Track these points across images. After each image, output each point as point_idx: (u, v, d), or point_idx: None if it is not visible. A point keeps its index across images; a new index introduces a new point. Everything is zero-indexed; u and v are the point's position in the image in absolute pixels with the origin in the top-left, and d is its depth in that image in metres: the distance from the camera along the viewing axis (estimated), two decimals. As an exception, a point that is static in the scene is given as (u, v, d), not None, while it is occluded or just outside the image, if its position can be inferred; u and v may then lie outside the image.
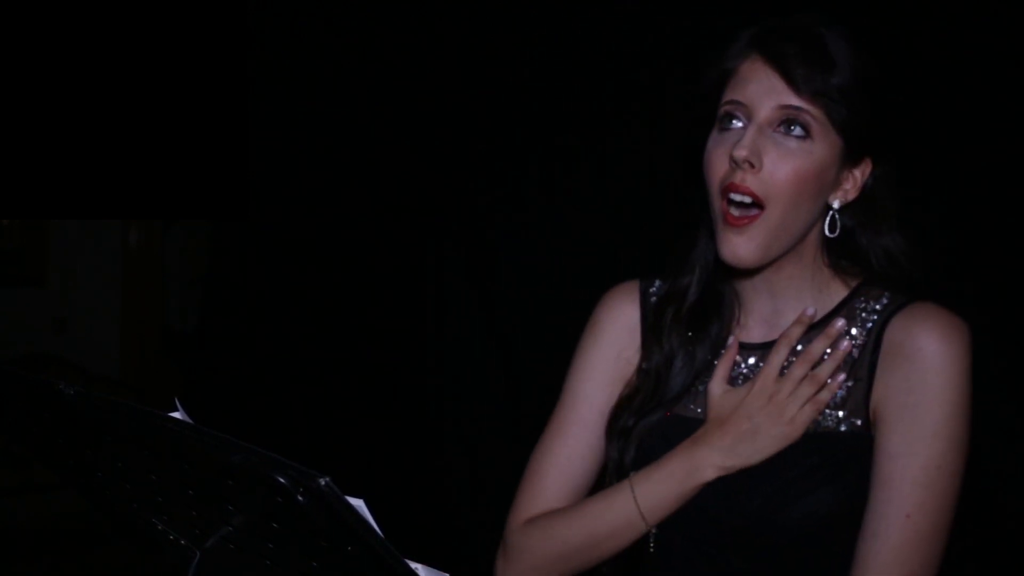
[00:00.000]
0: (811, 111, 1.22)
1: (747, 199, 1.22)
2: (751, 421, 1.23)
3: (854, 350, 1.25)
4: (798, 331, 1.25)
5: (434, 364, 2.56)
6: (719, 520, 1.24)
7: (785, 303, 1.30)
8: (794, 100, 1.22)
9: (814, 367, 1.24)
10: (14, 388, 0.97)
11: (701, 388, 1.31)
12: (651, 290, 1.41)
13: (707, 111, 1.30)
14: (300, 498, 0.69)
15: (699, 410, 1.31)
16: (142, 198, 3.22)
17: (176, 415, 1.19)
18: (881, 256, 1.28)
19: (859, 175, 1.28)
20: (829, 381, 1.23)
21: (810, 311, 1.25)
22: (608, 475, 1.34)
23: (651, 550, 1.29)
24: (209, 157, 3.06)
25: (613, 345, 1.41)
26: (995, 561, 1.72)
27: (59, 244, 5.05)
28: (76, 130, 3.12)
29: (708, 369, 1.32)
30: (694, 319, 1.34)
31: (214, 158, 3.04)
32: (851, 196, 1.28)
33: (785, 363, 1.26)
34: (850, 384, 1.24)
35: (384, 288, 2.66)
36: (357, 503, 0.77)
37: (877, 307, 1.26)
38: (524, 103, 2.42)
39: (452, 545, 2.45)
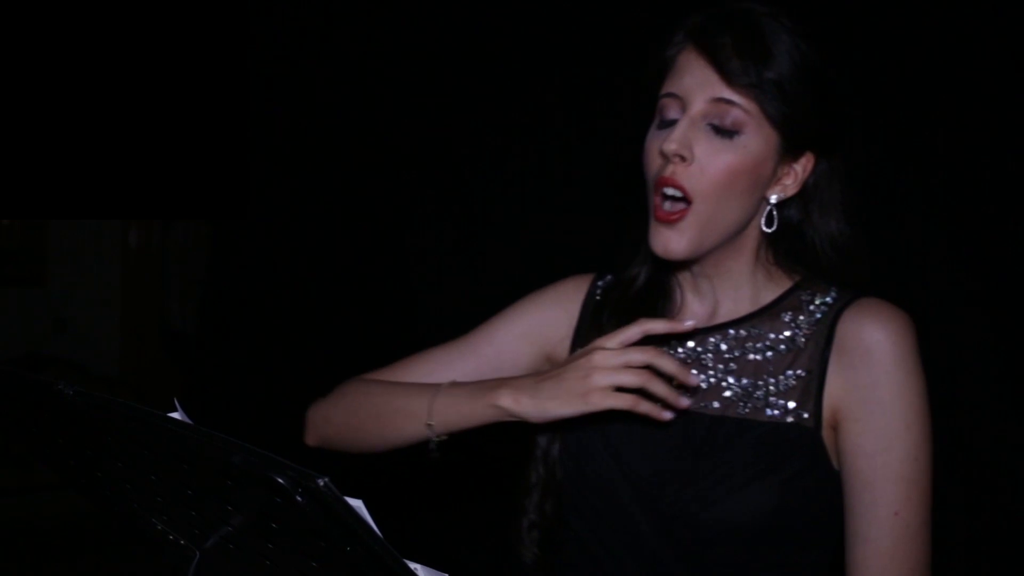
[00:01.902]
0: (744, 104, 1.20)
1: (678, 193, 1.21)
2: (563, 373, 1.18)
3: (800, 340, 1.23)
4: (662, 326, 1.19)
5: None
6: (652, 508, 1.21)
7: (724, 294, 1.29)
8: (726, 93, 1.20)
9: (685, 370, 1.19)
10: (14, 388, 0.97)
11: None
12: (599, 284, 1.40)
13: (649, 103, 1.28)
14: (299, 498, 0.69)
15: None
16: (142, 198, 3.22)
17: (176, 415, 1.19)
18: (828, 248, 1.26)
19: (800, 170, 1.25)
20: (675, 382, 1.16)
21: (688, 323, 1.20)
22: (535, 460, 1.32)
23: (433, 455, 1.26)
24: (209, 157, 3.06)
25: (546, 311, 1.41)
26: (995, 560, 1.72)
27: (59, 244, 5.06)
28: (76, 130, 3.13)
29: None
30: (637, 305, 1.33)
31: (214, 158, 3.04)
32: (791, 191, 1.26)
33: (729, 355, 1.25)
34: (801, 374, 1.21)
35: (384, 288, 2.66)
36: (356, 503, 0.77)
37: (827, 300, 1.24)
38: (525, 103, 2.42)
39: (452, 545, 2.45)
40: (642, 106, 1.30)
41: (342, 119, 2.70)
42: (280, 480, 0.69)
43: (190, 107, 3.05)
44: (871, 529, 1.17)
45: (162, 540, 1.00)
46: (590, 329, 1.36)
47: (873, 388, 1.18)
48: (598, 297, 1.39)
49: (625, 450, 1.24)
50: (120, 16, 3.03)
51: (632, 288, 1.35)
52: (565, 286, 1.43)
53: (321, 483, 0.70)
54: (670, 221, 1.22)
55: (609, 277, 1.41)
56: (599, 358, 1.16)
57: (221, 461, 0.75)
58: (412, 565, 0.81)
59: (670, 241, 1.22)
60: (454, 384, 1.28)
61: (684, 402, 1.16)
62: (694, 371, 1.25)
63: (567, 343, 1.39)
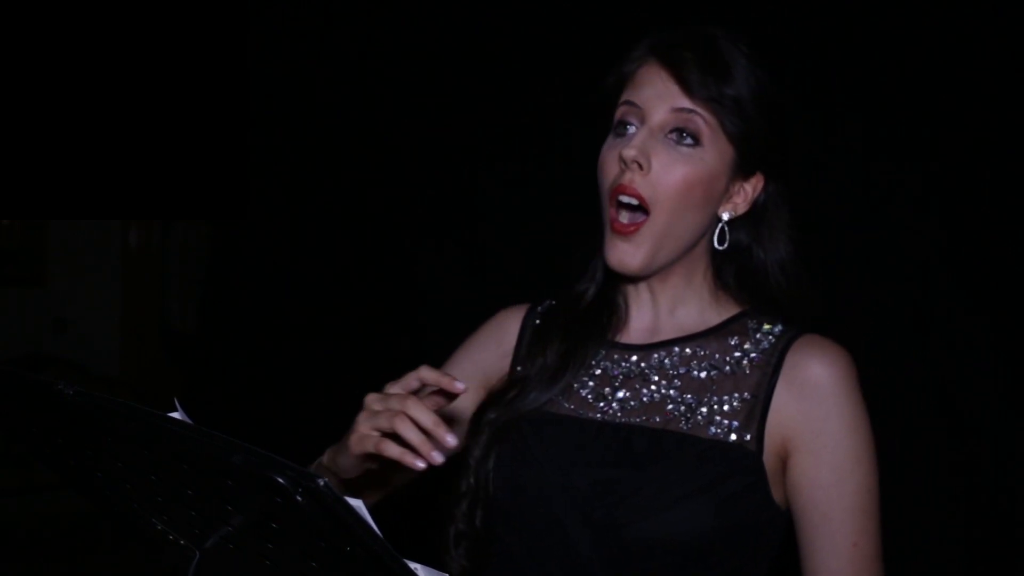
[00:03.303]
0: (704, 115, 1.22)
1: (634, 201, 1.22)
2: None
3: (745, 365, 1.23)
4: (434, 377, 1.14)
5: (434, 365, 2.55)
6: (586, 519, 1.19)
7: (668, 313, 1.30)
8: (687, 103, 1.22)
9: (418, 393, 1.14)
10: (14, 388, 0.97)
11: (576, 386, 1.29)
12: (539, 309, 1.41)
13: (605, 117, 1.30)
14: (299, 498, 0.69)
15: (571, 407, 1.28)
16: (142, 198, 3.22)
17: (176, 415, 1.19)
18: (777, 272, 1.28)
19: (750, 189, 1.27)
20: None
21: (459, 385, 1.11)
22: (469, 469, 1.30)
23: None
24: (209, 157, 3.06)
25: (479, 353, 1.40)
26: (996, 564, 1.72)
27: (59, 244, 5.06)
28: (76, 130, 3.12)
29: (581, 369, 1.30)
30: (584, 321, 1.33)
31: (214, 158, 3.04)
32: (741, 210, 1.27)
33: (673, 371, 1.24)
34: (746, 397, 1.21)
35: (384, 288, 2.66)
36: (356, 503, 0.77)
37: (775, 330, 1.25)
38: (525, 103, 2.42)
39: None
40: (597, 122, 1.31)
41: (342, 119, 2.70)
42: (280, 480, 0.69)
43: (190, 107, 3.05)
44: (832, 561, 1.18)
45: (162, 540, 1.00)
46: (528, 354, 1.35)
47: (825, 421, 1.19)
48: (537, 322, 1.39)
49: (563, 460, 1.23)
50: (120, 16, 3.03)
51: (580, 304, 1.35)
52: (497, 321, 1.43)
53: (321, 483, 0.70)
54: (627, 233, 1.22)
55: (549, 302, 1.40)
56: (367, 402, 1.13)
57: (221, 461, 0.75)
58: (412, 565, 0.81)
59: (625, 254, 1.23)
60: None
61: (437, 458, 1.08)
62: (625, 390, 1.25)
63: (502, 367, 1.37)
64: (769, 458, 1.20)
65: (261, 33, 2.86)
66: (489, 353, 1.40)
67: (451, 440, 1.08)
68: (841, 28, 1.83)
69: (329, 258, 2.75)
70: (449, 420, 1.25)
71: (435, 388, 1.15)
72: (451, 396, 1.16)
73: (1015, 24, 1.68)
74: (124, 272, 5.28)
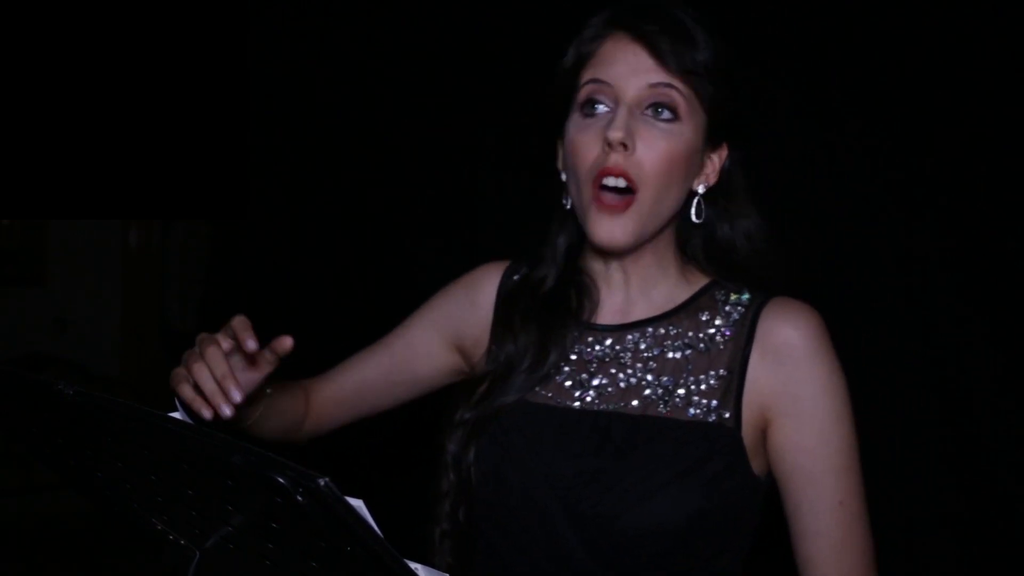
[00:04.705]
0: (681, 88, 1.20)
1: (621, 183, 1.20)
2: None
3: (718, 340, 1.22)
4: (241, 327, 1.16)
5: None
6: (572, 510, 1.18)
7: (639, 290, 1.29)
8: (664, 77, 1.20)
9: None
10: (14, 388, 0.97)
11: (553, 373, 1.28)
12: (514, 277, 1.40)
13: (563, 99, 1.28)
14: (300, 498, 0.69)
15: (549, 395, 1.27)
16: (142, 198, 3.22)
17: (176, 415, 1.19)
18: (743, 240, 1.27)
19: (717, 160, 1.27)
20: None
21: (250, 344, 1.14)
22: (447, 467, 1.29)
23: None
24: (209, 157, 3.06)
25: (454, 303, 1.41)
26: (997, 561, 1.72)
27: (59, 244, 5.06)
28: (76, 130, 3.12)
29: (561, 356, 1.29)
30: (548, 308, 1.32)
31: (214, 158, 3.04)
32: (712, 180, 1.27)
33: (647, 353, 1.24)
34: (722, 374, 1.21)
35: (384, 288, 2.66)
36: (357, 503, 0.77)
37: (742, 300, 1.24)
38: (525, 103, 2.41)
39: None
40: (555, 101, 1.29)
41: (342, 119, 2.70)
42: (280, 480, 0.69)
43: (190, 107, 3.05)
44: (820, 523, 1.18)
45: (162, 540, 1.00)
46: (500, 328, 1.35)
47: (802, 384, 1.18)
48: (509, 290, 1.38)
49: (545, 450, 1.22)
50: (120, 16, 3.02)
51: (540, 291, 1.34)
52: (476, 277, 1.43)
53: (322, 483, 0.70)
54: (615, 211, 1.20)
55: (524, 269, 1.39)
56: (196, 340, 1.19)
57: (221, 461, 0.75)
58: (412, 565, 0.81)
59: (615, 231, 1.21)
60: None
61: (225, 411, 1.12)
62: (583, 374, 1.26)
63: (482, 338, 1.38)
64: (748, 431, 1.19)
65: (261, 33, 2.86)
66: (462, 310, 1.41)
67: (236, 395, 1.12)
68: (841, 28, 1.83)
69: (329, 258, 2.75)
70: (411, 362, 1.37)
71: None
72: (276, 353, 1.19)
73: (1015, 23, 1.68)
74: (124, 272, 5.27)
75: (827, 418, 1.18)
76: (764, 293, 1.25)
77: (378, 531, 0.76)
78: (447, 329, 1.41)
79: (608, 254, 1.29)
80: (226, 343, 1.14)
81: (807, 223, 1.84)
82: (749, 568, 1.25)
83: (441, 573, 0.87)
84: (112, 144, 3.13)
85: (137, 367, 5.19)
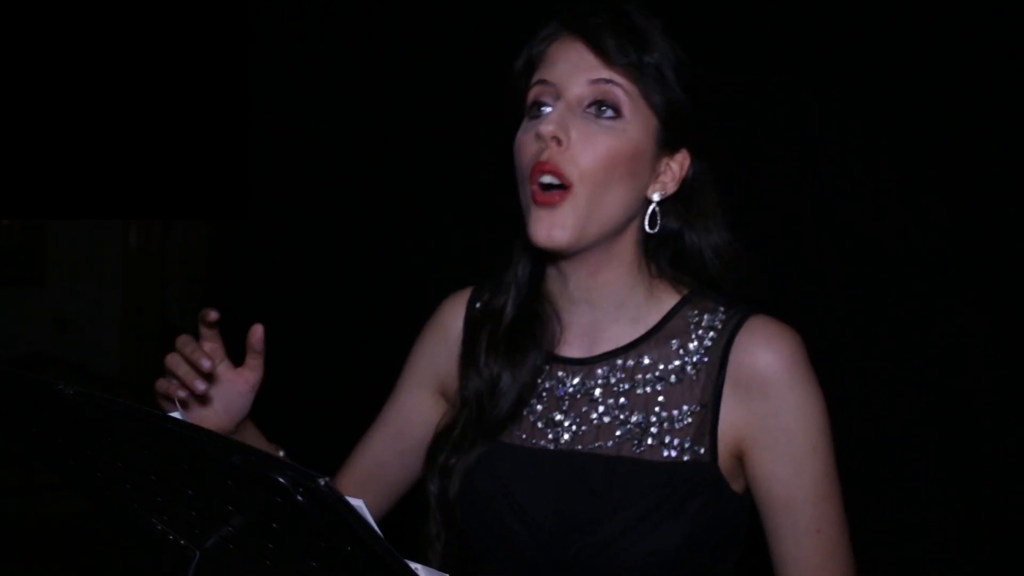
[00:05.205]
0: (624, 84, 1.16)
1: (554, 180, 1.15)
2: None
3: (690, 371, 1.18)
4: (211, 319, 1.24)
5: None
6: (554, 556, 1.15)
7: (605, 313, 1.23)
8: (604, 73, 1.16)
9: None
10: (14, 388, 0.97)
11: (525, 412, 1.24)
12: (477, 305, 1.35)
13: (515, 104, 1.23)
14: (300, 498, 0.69)
15: (523, 436, 1.23)
16: (142, 198, 3.22)
17: (176, 415, 1.19)
18: (711, 255, 1.23)
19: (677, 167, 1.21)
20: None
21: (212, 314, 1.24)
22: (431, 511, 1.26)
23: None
24: (209, 157, 3.06)
25: (428, 351, 1.37)
26: (997, 563, 1.72)
27: (59, 244, 5.06)
28: (76, 130, 3.12)
29: (532, 392, 1.24)
30: (512, 340, 1.26)
31: (214, 158, 3.04)
32: (670, 189, 1.21)
33: (617, 387, 1.20)
34: (696, 409, 1.17)
35: (384, 288, 2.66)
36: (357, 503, 0.77)
37: (716, 323, 1.19)
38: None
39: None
40: (509, 107, 1.25)
41: (342, 119, 2.70)
42: (280, 480, 0.69)
43: (189, 107, 3.05)
44: (797, 549, 1.16)
45: (162, 540, 1.00)
46: (465, 364, 1.30)
47: (775, 416, 1.15)
48: (476, 315, 1.33)
49: (520, 493, 1.19)
50: (120, 16, 3.02)
51: (502, 323, 1.28)
52: (441, 316, 1.39)
53: (322, 483, 0.69)
54: (551, 204, 1.15)
55: (487, 295, 1.34)
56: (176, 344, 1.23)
57: (221, 461, 0.75)
58: (413, 565, 0.81)
59: (553, 227, 1.15)
60: None
61: (199, 386, 1.19)
62: (572, 413, 1.22)
63: (455, 370, 1.33)
64: (724, 459, 1.17)
65: (261, 33, 2.86)
66: (436, 355, 1.37)
67: (205, 363, 1.17)
68: (841, 28, 1.83)
69: (329, 258, 2.75)
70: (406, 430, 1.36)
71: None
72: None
73: (1015, 22, 1.68)
74: (124, 272, 5.27)
75: (802, 450, 1.15)
76: (742, 308, 1.20)
77: (378, 531, 0.76)
78: (429, 380, 1.37)
79: (560, 264, 1.23)
80: (184, 337, 1.22)
81: (807, 221, 1.84)
82: (740, 569, 1.24)
83: (441, 573, 0.87)
84: (112, 144, 3.13)
85: (137, 367, 5.19)
